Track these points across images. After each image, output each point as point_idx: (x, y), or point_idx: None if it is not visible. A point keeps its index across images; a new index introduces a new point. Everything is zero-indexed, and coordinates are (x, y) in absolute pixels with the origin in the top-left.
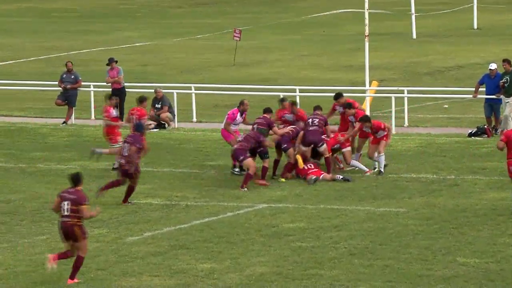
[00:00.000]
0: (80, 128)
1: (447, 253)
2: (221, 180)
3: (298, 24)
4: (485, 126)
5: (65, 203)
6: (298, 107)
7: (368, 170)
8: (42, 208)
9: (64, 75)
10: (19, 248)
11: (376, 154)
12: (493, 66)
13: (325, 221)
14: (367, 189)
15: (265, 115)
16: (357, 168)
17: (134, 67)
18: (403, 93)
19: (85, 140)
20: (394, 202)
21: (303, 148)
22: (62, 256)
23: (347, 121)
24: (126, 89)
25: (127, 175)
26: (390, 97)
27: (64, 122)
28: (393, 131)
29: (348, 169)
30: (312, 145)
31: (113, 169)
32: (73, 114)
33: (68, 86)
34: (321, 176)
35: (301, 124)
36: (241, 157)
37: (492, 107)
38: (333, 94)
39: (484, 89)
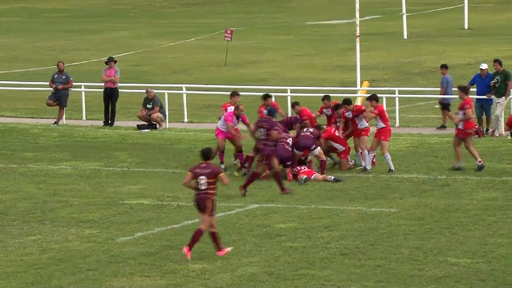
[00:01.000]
0: (71, 129)
1: (438, 253)
2: None
3: (290, 25)
4: (476, 127)
5: (201, 177)
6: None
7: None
8: (33, 209)
9: (55, 75)
10: (10, 248)
11: (360, 149)
12: (484, 66)
13: (316, 221)
14: (359, 189)
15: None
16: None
17: (126, 67)
18: (394, 93)
19: (76, 141)
20: (385, 202)
21: (297, 152)
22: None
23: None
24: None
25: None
26: (381, 97)
27: (55, 123)
28: None
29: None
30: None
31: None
32: (64, 114)
33: (59, 87)
34: (312, 176)
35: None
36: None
37: (483, 107)
38: (324, 95)
39: (475, 89)
